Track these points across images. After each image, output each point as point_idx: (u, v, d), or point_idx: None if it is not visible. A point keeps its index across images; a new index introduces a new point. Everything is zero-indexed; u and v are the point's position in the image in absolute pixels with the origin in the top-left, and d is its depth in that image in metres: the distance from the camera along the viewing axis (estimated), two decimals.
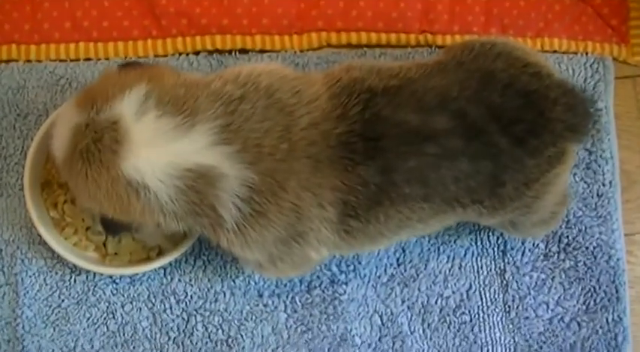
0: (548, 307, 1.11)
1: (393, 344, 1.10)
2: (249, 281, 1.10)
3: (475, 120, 0.87)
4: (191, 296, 1.10)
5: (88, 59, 1.15)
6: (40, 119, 1.12)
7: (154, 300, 1.09)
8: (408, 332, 1.10)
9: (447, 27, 1.17)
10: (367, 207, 0.87)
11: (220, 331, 1.09)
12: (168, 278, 1.10)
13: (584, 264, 1.12)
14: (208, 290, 1.10)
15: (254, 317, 1.10)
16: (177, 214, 0.86)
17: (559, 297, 1.11)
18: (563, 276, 1.12)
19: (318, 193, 0.86)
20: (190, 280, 1.11)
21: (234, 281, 1.10)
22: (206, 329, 1.09)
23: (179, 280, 1.10)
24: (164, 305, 1.09)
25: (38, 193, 1.08)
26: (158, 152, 0.84)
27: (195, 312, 1.10)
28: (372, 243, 0.93)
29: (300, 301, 1.10)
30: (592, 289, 1.11)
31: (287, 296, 1.10)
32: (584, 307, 1.11)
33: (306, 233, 0.89)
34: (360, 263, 1.11)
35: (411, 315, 1.10)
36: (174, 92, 0.86)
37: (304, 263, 0.96)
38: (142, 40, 1.16)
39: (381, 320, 1.10)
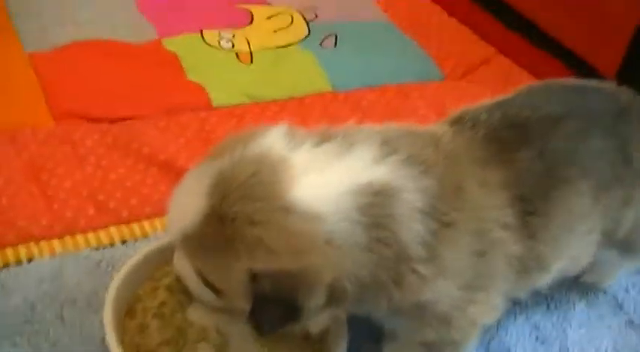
0: None
1: None
2: None
3: (580, 105, 0.93)
4: None
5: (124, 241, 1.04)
6: (92, 303, 0.94)
7: None
8: None
9: None
10: (542, 194, 0.85)
11: None
12: None
13: None
14: None
15: None
16: (357, 249, 0.74)
17: None
18: None
19: (493, 190, 0.83)
20: None
21: None
22: None
23: None
24: None
25: None
26: (326, 174, 0.76)
27: None
28: (556, 244, 0.87)
29: None
30: None
31: None
32: None
33: (493, 247, 0.82)
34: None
35: None
36: (315, 131, 0.82)
37: (490, 305, 0.86)
38: None
39: None
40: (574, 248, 0.91)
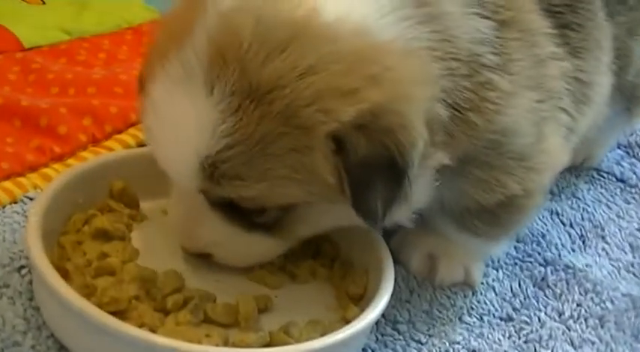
0: None
1: None
2: None
3: None
4: None
5: None
6: None
7: None
8: None
9: None
10: (569, 7, 0.81)
11: None
12: None
13: None
14: None
15: None
16: (425, 54, 0.63)
17: None
18: None
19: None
20: None
21: None
22: None
23: None
24: None
25: None
26: None
27: None
28: (597, 65, 0.84)
29: None
30: None
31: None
32: None
33: (547, 56, 0.77)
34: None
35: None
36: None
37: (560, 144, 0.80)
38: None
39: None
40: (604, 84, 0.88)
